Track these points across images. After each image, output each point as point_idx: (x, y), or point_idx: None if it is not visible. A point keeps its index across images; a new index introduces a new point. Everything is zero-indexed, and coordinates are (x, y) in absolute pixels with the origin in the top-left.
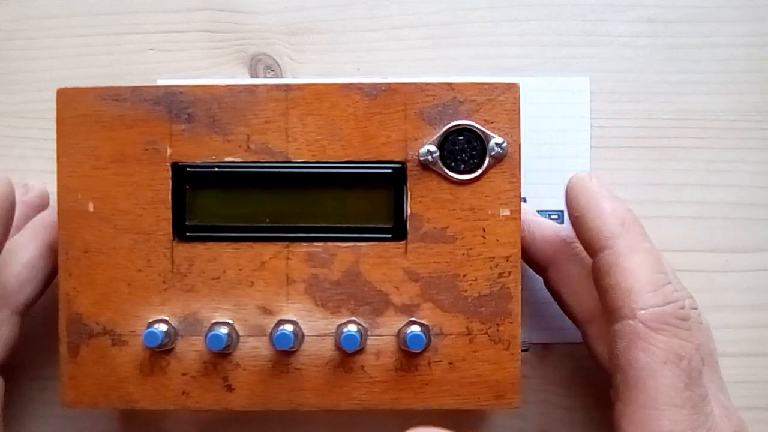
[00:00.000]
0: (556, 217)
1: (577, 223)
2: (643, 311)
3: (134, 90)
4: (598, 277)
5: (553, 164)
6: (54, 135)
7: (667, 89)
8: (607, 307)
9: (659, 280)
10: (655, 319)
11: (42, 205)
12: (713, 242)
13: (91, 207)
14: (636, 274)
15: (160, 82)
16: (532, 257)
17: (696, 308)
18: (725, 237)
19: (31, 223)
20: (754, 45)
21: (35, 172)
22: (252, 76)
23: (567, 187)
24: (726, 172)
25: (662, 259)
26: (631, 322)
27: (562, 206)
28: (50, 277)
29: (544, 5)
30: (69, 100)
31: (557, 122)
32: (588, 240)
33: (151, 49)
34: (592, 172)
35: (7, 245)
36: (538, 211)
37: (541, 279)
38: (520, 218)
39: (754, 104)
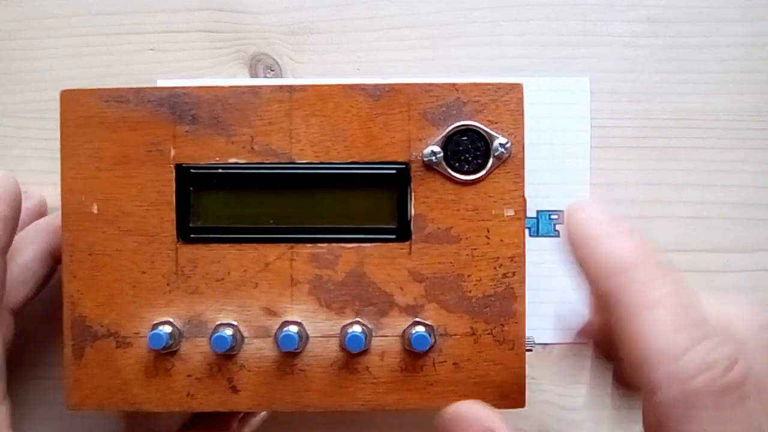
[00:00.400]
0: (556, 217)
1: (580, 269)
2: (666, 390)
3: (137, 91)
4: (616, 346)
5: (553, 164)
6: (54, 135)
7: (667, 89)
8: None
9: (687, 336)
10: (680, 401)
11: (40, 213)
12: (713, 242)
13: (95, 209)
14: (650, 338)
15: (160, 82)
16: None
17: (765, 329)
18: (725, 237)
19: (33, 226)
20: (754, 45)
21: (35, 172)
22: (252, 76)
23: (565, 222)
24: (726, 172)
25: (691, 304)
26: (652, 404)
27: (563, 206)
28: (45, 280)
29: (544, 5)
30: (72, 102)
31: (557, 122)
32: (595, 295)
33: (151, 49)
34: (592, 172)
35: None
36: (538, 212)
37: (540, 279)
38: (524, 218)
39: (754, 104)
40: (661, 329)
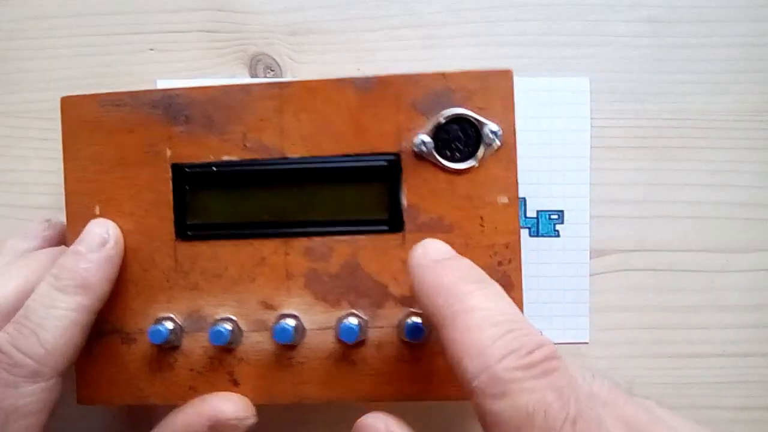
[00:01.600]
0: (556, 217)
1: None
2: (476, 380)
3: (133, 95)
4: None
5: (553, 164)
6: (54, 135)
7: (667, 89)
8: None
9: (489, 337)
10: (490, 384)
11: (61, 241)
12: (713, 242)
13: (97, 210)
14: (458, 342)
15: (160, 82)
16: None
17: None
18: (725, 237)
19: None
20: (754, 45)
21: (35, 172)
22: (252, 76)
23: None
24: (726, 172)
25: (509, 307)
26: (473, 398)
27: (563, 206)
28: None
29: (544, 5)
30: (72, 108)
31: (557, 122)
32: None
33: (151, 49)
34: (592, 172)
35: (50, 302)
36: (538, 212)
37: (540, 279)
38: (518, 205)
39: (754, 104)
40: (472, 330)
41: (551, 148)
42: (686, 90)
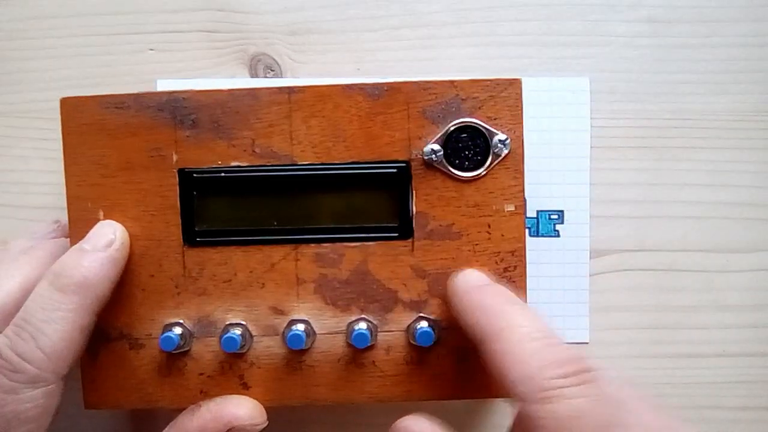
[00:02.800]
0: (556, 217)
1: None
2: (521, 387)
3: (137, 97)
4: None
5: (553, 164)
6: (54, 135)
7: (667, 89)
8: None
9: (529, 349)
10: (535, 390)
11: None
12: (713, 242)
13: (101, 215)
14: (501, 355)
15: (161, 83)
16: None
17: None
18: (725, 237)
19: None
20: (754, 45)
21: (35, 172)
22: (252, 76)
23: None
24: (726, 172)
25: (542, 324)
26: (518, 404)
27: (563, 206)
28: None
29: (544, 5)
30: (72, 109)
31: (557, 122)
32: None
33: (151, 49)
34: (592, 172)
35: (49, 304)
36: (538, 212)
37: (540, 279)
38: (524, 213)
39: (754, 104)
40: (515, 342)
41: (551, 148)
42: (686, 90)
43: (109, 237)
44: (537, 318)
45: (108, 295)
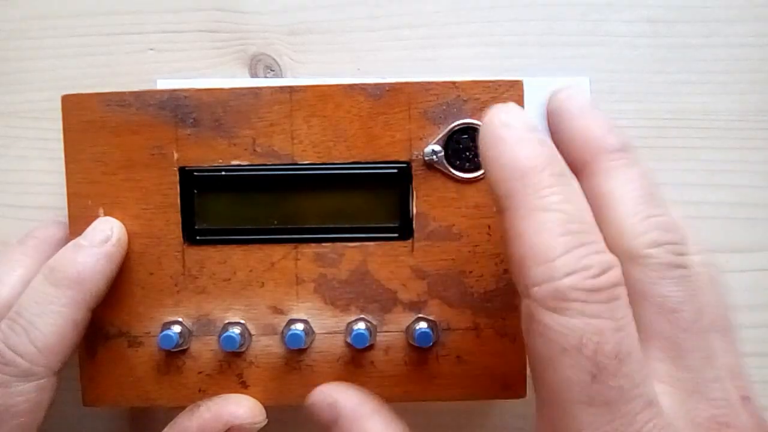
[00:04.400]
0: None
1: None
2: (536, 288)
3: (138, 95)
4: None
5: None
6: (54, 135)
7: (667, 89)
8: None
9: (562, 244)
10: (550, 296)
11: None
12: (713, 242)
13: (101, 213)
14: (528, 241)
15: (161, 83)
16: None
17: (711, 265)
18: (725, 237)
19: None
20: (754, 45)
21: (35, 172)
22: (252, 76)
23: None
24: (726, 172)
25: (582, 210)
26: (526, 301)
27: None
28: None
29: (544, 5)
30: (73, 107)
31: None
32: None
33: (151, 49)
34: None
35: (42, 298)
36: None
37: None
38: None
39: (754, 104)
40: (544, 232)
41: None
42: (686, 90)
43: (106, 233)
44: (580, 200)
45: (103, 291)
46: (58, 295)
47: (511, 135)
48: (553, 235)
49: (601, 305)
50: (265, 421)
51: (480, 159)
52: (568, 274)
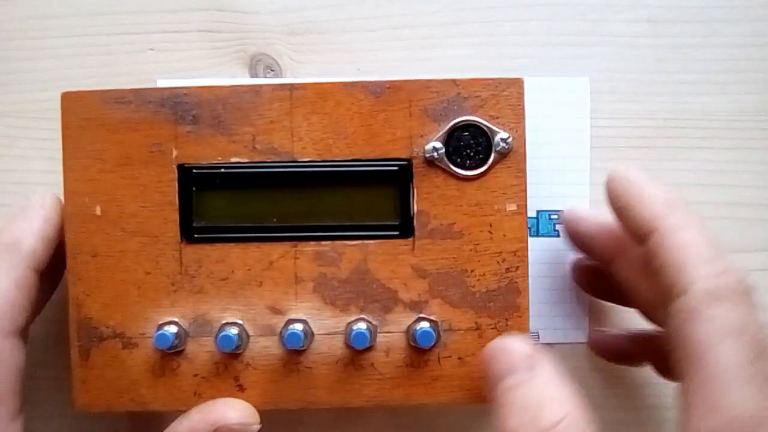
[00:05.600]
0: (556, 217)
1: (621, 214)
2: (698, 284)
3: (137, 92)
4: (651, 262)
5: (553, 164)
6: (54, 135)
7: (667, 89)
8: (663, 290)
9: (713, 252)
10: (712, 290)
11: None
12: None
13: (98, 211)
14: (686, 248)
15: (161, 82)
16: (597, 250)
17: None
18: (725, 237)
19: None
20: (754, 45)
21: (35, 172)
22: (252, 76)
23: (606, 181)
24: (726, 172)
25: (715, 235)
26: (685, 297)
27: (562, 207)
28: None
29: (544, 5)
30: (73, 104)
31: (557, 122)
32: (635, 228)
33: (151, 49)
34: (592, 172)
35: None
36: (538, 212)
37: (540, 279)
38: (526, 213)
39: (754, 104)
40: (697, 243)
41: (551, 148)
42: (686, 90)
43: (37, 200)
44: (705, 224)
45: (43, 251)
46: None
47: (646, 180)
48: (707, 243)
49: (750, 302)
50: (259, 425)
51: (613, 202)
52: (725, 272)
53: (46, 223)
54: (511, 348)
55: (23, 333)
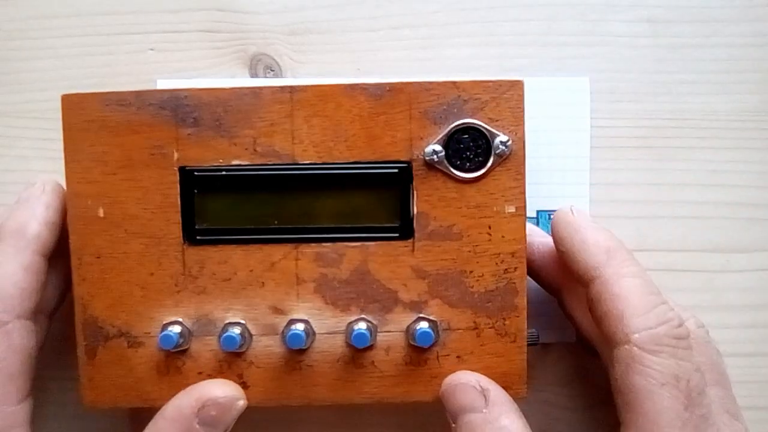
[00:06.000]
0: None
1: (564, 258)
2: (636, 335)
3: (138, 94)
4: (593, 308)
5: (553, 164)
6: (54, 135)
7: (667, 89)
8: (604, 335)
9: (650, 301)
10: (649, 341)
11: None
12: (713, 242)
13: (101, 212)
14: (625, 298)
15: (161, 82)
16: (544, 280)
17: (702, 327)
18: (725, 237)
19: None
20: (754, 45)
21: (35, 172)
22: (252, 76)
23: (551, 223)
24: (726, 172)
25: (652, 281)
26: (626, 347)
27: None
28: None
29: (544, 5)
30: (74, 106)
31: (557, 122)
32: (577, 273)
33: (151, 49)
34: (592, 172)
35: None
36: (537, 212)
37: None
38: (525, 215)
39: (754, 104)
40: (635, 292)
41: (551, 148)
42: (686, 90)
43: (38, 187)
44: (645, 272)
45: (48, 235)
46: (3, 247)
47: (588, 224)
48: (644, 294)
49: (685, 350)
50: (245, 405)
51: (557, 244)
52: (661, 324)
53: (48, 208)
54: (466, 384)
55: (35, 316)
